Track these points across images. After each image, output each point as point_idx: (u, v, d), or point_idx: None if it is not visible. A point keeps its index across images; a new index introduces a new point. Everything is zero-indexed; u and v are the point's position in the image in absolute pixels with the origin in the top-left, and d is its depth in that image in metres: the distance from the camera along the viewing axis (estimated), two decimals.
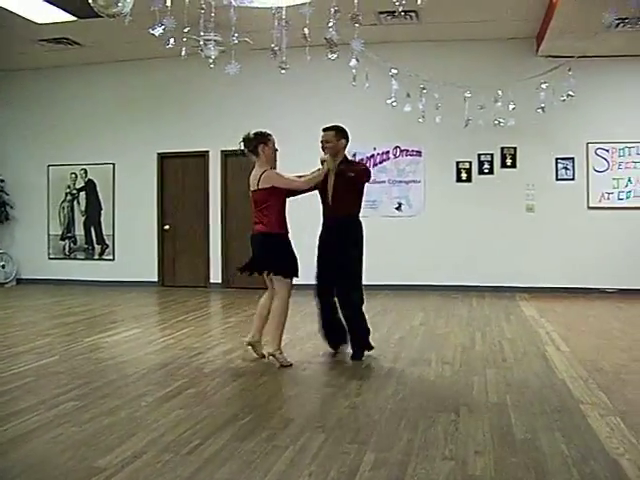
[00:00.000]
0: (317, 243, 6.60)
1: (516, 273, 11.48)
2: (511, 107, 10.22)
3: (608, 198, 11.41)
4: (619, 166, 11.37)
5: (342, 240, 6.36)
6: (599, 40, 10.11)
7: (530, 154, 11.56)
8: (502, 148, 11.61)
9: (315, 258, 6.56)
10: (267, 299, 6.45)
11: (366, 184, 6.54)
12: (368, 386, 5.41)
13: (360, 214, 6.53)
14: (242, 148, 6.53)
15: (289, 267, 6.16)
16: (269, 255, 6.18)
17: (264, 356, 6.25)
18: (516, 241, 11.52)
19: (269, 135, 6.54)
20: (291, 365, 6.05)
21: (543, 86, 10.15)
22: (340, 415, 4.61)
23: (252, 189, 6.36)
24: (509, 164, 11.63)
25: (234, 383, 5.52)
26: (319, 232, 6.64)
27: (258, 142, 6.42)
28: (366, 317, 6.51)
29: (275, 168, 6.45)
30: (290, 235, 6.32)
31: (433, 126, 10.47)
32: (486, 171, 11.65)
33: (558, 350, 6.74)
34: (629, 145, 11.34)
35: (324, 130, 6.65)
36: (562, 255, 11.42)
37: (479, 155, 11.68)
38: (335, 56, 6.57)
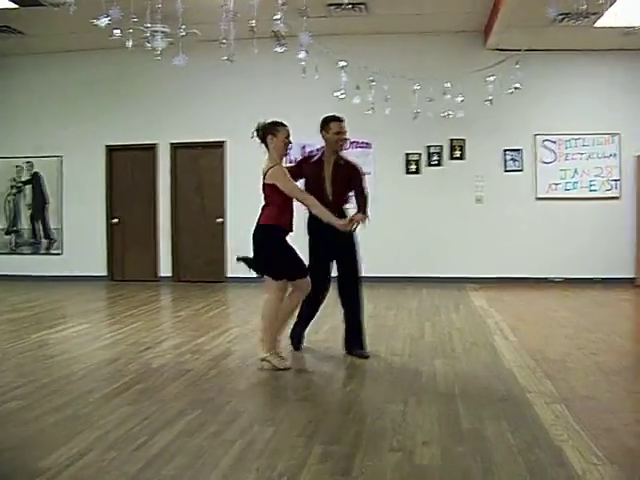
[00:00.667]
0: (308, 238, 6.28)
1: (466, 264, 11.60)
2: (460, 99, 10.30)
3: (555, 189, 11.59)
4: (566, 157, 11.55)
5: (350, 235, 6.14)
6: (545, 34, 10.26)
7: (479, 146, 11.67)
8: (451, 140, 11.70)
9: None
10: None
11: None
12: (317, 379, 5.41)
13: None
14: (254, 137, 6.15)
15: (276, 267, 5.75)
16: (257, 250, 5.88)
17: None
18: (465, 232, 11.64)
19: (280, 125, 6.12)
20: (288, 369, 5.64)
21: (491, 79, 10.26)
22: (289, 408, 4.61)
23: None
24: (458, 156, 11.73)
25: (183, 378, 5.46)
26: (307, 226, 6.26)
27: (266, 132, 6.03)
28: None
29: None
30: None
31: (382, 118, 10.51)
32: (435, 163, 11.74)
33: (506, 340, 6.83)
34: (575, 137, 11.52)
35: (340, 120, 6.31)
36: (511, 245, 11.56)
37: (428, 147, 11.76)
38: (283, 49, 6.57)
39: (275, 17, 6.08)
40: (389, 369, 5.69)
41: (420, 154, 11.78)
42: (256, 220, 5.90)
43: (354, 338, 6.20)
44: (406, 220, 11.71)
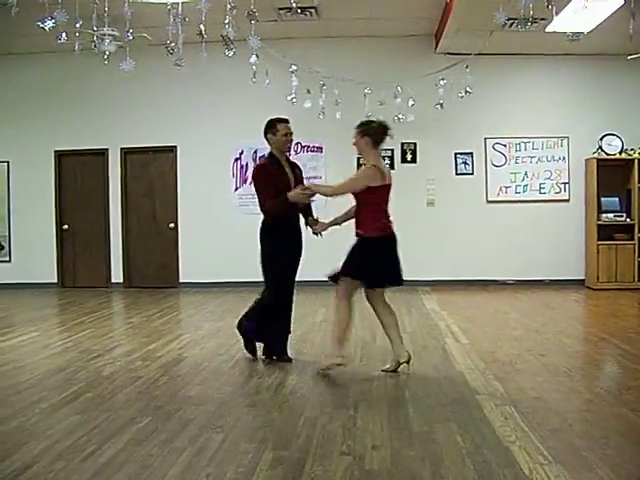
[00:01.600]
0: (270, 242, 6.16)
1: (418, 267, 11.59)
2: (410, 103, 10.38)
3: (506, 192, 11.74)
4: (516, 161, 11.71)
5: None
6: (495, 39, 10.38)
7: (430, 149, 11.77)
8: (402, 144, 11.77)
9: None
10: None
11: None
12: (268, 384, 5.38)
13: None
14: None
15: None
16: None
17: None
18: (417, 235, 11.65)
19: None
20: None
21: (441, 83, 10.34)
22: (239, 414, 4.58)
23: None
24: (409, 159, 11.81)
25: (133, 385, 5.41)
26: (273, 230, 6.13)
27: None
28: None
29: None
30: None
31: (333, 122, 10.53)
32: (387, 166, 11.75)
33: (457, 342, 6.89)
34: (525, 140, 11.69)
35: (287, 121, 6.31)
36: (462, 248, 11.67)
37: (380, 150, 11.76)
38: (232, 53, 6.54)
39: (225, 21, 6.07)
40: (340, 373, 5.67)
41: None
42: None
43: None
44: None
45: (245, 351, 6.33)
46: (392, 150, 11.78)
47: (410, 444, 3.91)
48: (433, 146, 11.76)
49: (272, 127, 6.14)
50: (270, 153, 6.23)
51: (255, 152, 11.76)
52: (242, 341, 6.37)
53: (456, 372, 5.63)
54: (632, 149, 11.65)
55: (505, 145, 11.78)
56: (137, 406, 4.82)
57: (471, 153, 11.82)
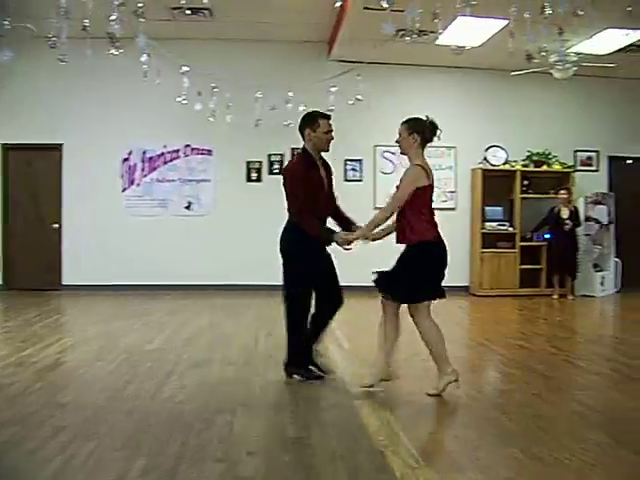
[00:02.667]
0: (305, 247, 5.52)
1: None
2: (302, 108, 10.38)
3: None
4: (403, 168, 11.87)
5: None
6: (387, 48, 10.52)
7: None
8: (293, 149, 11.73)
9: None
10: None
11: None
12: (147, 389, 5.26)
13: None
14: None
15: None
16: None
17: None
18: None
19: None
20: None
21: (333, 89, 10.42)
22: (114, 421, 4.46)
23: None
24: None
25: (4, 392, 5.18)
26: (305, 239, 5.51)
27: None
28: None
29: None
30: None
31: (224, 126, 10.49)
32: (276, 171, 11.76)
33: (340, 347, 6.95)
34: None
35: (329, 117, 5.72)
36: (350, 254, 11.72)
37: (269, 155, 11.82)
38: (119, 51, 6.41)
39: (111, 18, 5.95)
40: (221, 378, 5.63)
41: (261, 162, 11.82)
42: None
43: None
44: (248, 228, 11.65)
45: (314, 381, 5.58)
46: (282, 155, 11.81)
47: (285, 450, 3.90)
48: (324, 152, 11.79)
49: (312, 122, 5.52)
50: (304, 150, 5.59)
51: (144, 152, 11.58)
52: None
53: (336, 377, 5.65)
54: (515, 161, 12.08)
55: (394, 153, 11.93)
56: (6, 414, 4.62)
57: (361, 160, 11.98)
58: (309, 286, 5.58)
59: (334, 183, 5.88)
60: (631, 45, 10.50)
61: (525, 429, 4.33)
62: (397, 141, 5.30)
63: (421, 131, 5.13)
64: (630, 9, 6.48)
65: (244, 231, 11.65)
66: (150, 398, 5.03)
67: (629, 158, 13.21)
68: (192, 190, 11.73)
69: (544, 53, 7.29)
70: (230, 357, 6.42)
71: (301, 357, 5.57)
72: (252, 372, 5.83)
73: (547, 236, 11.79)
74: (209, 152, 11.73)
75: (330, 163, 5.96)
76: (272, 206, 11.59)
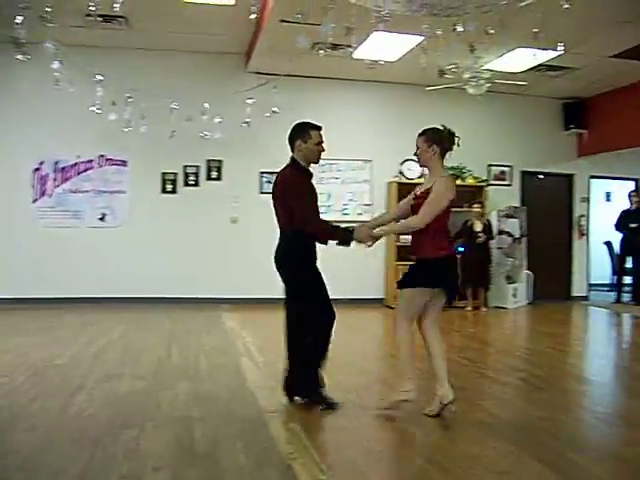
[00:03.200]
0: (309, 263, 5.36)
1: (221, 284, 11.61)
2: (218, 120, 10.38)
3: None
4: (321, 181, 11.84)
5: None
6: (303, 61, 10.60)
7: (235, 167, 11.79)
8: (208, 160, 11.71)
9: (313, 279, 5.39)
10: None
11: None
12: (53, 405, 5.09)
13: None
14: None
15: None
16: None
17: None
18: (221, 253, 11.66)
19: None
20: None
21: (249, 101, 10.41)
22: (16, 439, 4.31)
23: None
24: (215, 177, 11.76)
25: None
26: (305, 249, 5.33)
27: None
28: None
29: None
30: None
31: (139, 136, 10.34)
32: (192, 183, 11.67)
33: (252, 361, 6.88)
34: (330, 162, 11.90)
35: (320, 128, 5.37)
36: (265, 266, 11.60)
37: (185, 167, 11.67)
38: (26, 57, 6.26)
39: (16, 21, 5.79)
40: (131, 393, 5.51)
41: (177, 174, 11.66)
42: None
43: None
44: (162, 240, 11.51)
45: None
46: (198, 167, 11.70)
47: (192, 465, 3.83)
48: (239, 164, 11.78)
49: (303, 133, 5.25)
50: (296, 162, 5.29)
51: (56, 163, 11.31)
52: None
53: (248, 391, 5.62)
54: None
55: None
56: None
57: (276, 172, 11.93)
58: (317, 298, 5.32)
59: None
60: (541, 65, 10.82)
61: (432, 439, 4.38)
62: (415, 154, 5.14)
63: (440, 141, 5.02)
64: (536, 31, 6.65)
65: (159, 243, 11.48)
66: (56, 414, 4.88)
67: (541, 173, 13.60)
68: (106, 201, 11.48)
69: (455, 69, 7.42)
70: (141, 371, 6.29)
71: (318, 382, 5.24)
72: (162, 386, 5.72)
73: (460, 249, 11.97)
74: (124, 163, 11.51)
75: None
76: (187, 218, 11.60)
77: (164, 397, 5.35)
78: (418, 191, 5.08)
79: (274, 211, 5.43)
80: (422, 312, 5.01)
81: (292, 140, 5.30)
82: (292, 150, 5.31)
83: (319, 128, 5.31)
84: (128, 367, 6.44)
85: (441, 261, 4.94)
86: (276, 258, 5.45)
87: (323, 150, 5.29)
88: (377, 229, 5.32)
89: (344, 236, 5.21)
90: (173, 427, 4.56)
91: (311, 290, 5.28)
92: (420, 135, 5.07)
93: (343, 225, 5.42)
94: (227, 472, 3.72)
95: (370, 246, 5.23)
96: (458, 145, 5.12)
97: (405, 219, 5.19)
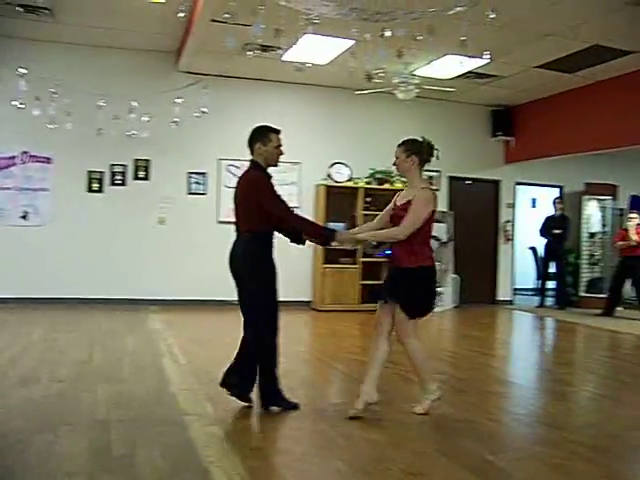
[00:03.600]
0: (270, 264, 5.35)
1: (147, 286, 11.45)
2: (146, 119, 10.24)
3: None
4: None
5: None
6: (233, 62, 10.57)
7: (163, 167, 11.63)
8: (135, 160, 11.52)
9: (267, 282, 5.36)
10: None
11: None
12: None
13: None
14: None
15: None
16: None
17: None
18: (148, 254, 11.50)
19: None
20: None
21: (178, 101, 10.31)
22: None
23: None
24: (142, 176, 11.58)
25: None
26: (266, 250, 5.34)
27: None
28: None
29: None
30: None
31: (64, 133, 10.12)
32: (118, 182, 11.47)
33: (176, 363, 6.80)
34: None
35: (279, 132, 5.38)
36: (192, 268, 11.61)
37: (112, 165, 11.45)
38: None
39: None
40: (48, 396, 5.35)
41: (103, 172, 11.43)
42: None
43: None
44: (87, 240, 11.25)
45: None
46: (125, 166, 11.50)
47: (108, 469, 3.75)
48: (167, 164, 11.64)
49: (264, 136, 5.27)
50: (258, 165, 5.26)
51: None
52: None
53: (169, 393, 5.53)
54: (359, 178, 12.34)
55: (239, 167, 11.89)
56: None
57: (205, 173, 11.87)
58: (273, 305, 5.32)
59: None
60: (470, 72, 11.00)
61: (351, 442, 4.40)
62: (395, 164, 5.26)
63: (419, 152, 5.13)
64: (464, 39, 6.74)
65: (84, 243, 11.23)
66: None
67: (468, 179, 13.81)
68: (29, 199, 11.16)
69: (383, 74, 7.48)
70: (60, 374, 6.13)
71: (276, 387, 5.24)
72: (81, 389, 5.59)
73: (388, 252, 12.04)
74: (48, 160, 11.20)
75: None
76: (113, 218, 11.40)
77: (83, 400, 5.24)
78: (398, 202, 5.18)
79: (234, 213, 5.45)
80: (389, 319, 5.13)
81: (252, 143, 5.31)
82: (251, 153, 5.31)
83: (278, 132, 5.36)
84: (46, 370, 6.27)
85: (426, 271, 5.07)
86: (231, 259, 5.39)
87: (282, 153, 5.35)
88: (362, 234, 5.36)
89: (327, 233, 5.38)
90: (90, 431, 4.46)
91: (260, 294, 5.28)
92: (400, 145, 5.20)
93: None
94: (143, 476, 3.66)
95: (351, 250, 5.49)
96: (437, 158, 5.26)
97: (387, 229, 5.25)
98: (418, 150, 5.13)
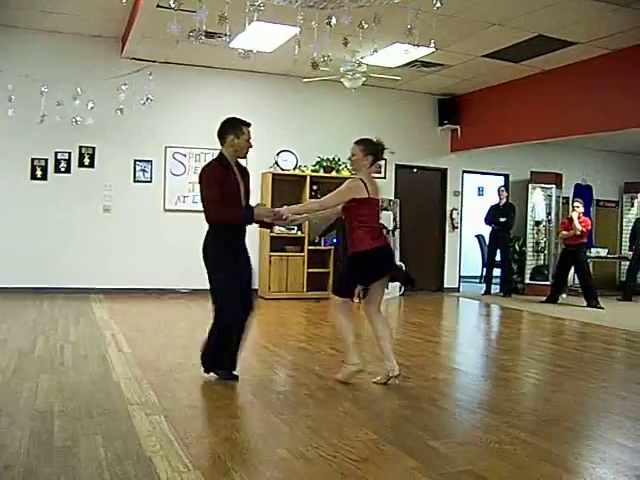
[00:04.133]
0: (228, 251, 5.50)
1: (92, 274, 11.31)
2: (90, 106, 10.08)
3: (184, 201, 11.83)
4: (195, 171, 11.75)
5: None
6: (179, 48, 10.45)
7: (109, 154, 11.49)
8: (80, 147, 11.36)
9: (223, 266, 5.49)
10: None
11: None
12: None
13: None
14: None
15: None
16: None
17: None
18: (92, 242, 11.35)
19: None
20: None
21: (124, 88, 10.17)
22: None
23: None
24: (87, 163, 11.42)
25: None
26: (223, 238, 5.48)
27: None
28: None
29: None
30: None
31: (6, 120, 9.97)
32: (63, 169, 11.28)
33: (120, 352, 6.74)
34: (205, 151, 11.73)
35: (250, 125, 5.55)
36: (138, 256, 11.52)
37: (56, 153, 11.26)
38: None
39: None
40: None
41: (47, 160, 11.23)
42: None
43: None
44: (30, 228, 11.07)
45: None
46: (69, 153, 11.33)
47: (48, 460, 3.70)
48: (112, 151, 11.49)
49: (237, 129, 5.42)
50: (221, 155, 5.45)
51: None
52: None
53: (112, 382, 5.48)
54: (305, 166, 12.34)
55: (185, 155, 11.90)
56: None
57: (150, 161, 11.75)
58: (235, 292, 5.46)
59: (251, 189, 5.74)
60: (416, 61, 11.06)
61: (295, 429, 4.41)
62: (350, 159, 5.81)
63: (375, 153, 5.66)
64: (410, 27, 6.78)
65: (28, 231, 11.04)
66: None
67: (415, 167, 13.91)
68: None
69: (329, 62, 7.47)
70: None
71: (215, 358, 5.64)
72: (22, 379, 5.50)
73: (334, 240, 12.13)
74: None
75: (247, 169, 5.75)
76: (58, 206, 11.22)
77: (23, 391, 5.15)
78: None
79: None
80: (366, 299, 5.83)
81: (223, 134, 5.47)
82: (222, 144, 5.47)
83: (249, 125, 5.53)
84: None
85: (369, 253, 5.55)
86: (202, 251, 5.59)
87: (251, 146, 5.52)
88: (281, 208, 5.66)
89: (248, 215, 5.48)
90: (30, 422, 4.38)
91: (230, 282, 5.45)
92: (358, 143, 5.70)
93: None
94: (84, 467, 3.61)
95: (291, 228, 6.03)
96: (385, 159, 6.11)
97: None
98: (375, 152, 5.67)
